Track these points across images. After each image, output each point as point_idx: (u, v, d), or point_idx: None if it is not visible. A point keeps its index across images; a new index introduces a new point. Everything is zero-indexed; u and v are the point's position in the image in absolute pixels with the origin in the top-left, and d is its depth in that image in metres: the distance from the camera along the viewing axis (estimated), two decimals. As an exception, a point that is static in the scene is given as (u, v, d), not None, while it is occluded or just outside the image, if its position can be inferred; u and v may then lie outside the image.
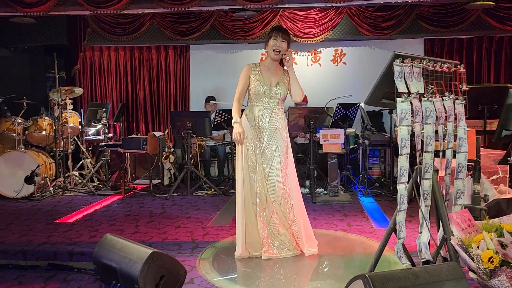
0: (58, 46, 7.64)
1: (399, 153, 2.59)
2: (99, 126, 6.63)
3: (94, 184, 6.41)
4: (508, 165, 3.77)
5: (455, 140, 2.72)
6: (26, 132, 6.01)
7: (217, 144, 6.69)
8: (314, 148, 5.78)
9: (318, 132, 5.49)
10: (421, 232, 2.74)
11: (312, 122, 5.49)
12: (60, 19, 7.46)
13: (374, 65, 6.80)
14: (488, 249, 2.44)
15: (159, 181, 6.37)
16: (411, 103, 2.57)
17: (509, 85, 4.79)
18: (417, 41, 7.33)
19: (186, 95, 7.78)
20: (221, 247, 3.78)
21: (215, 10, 7.11)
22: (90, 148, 7.02)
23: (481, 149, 3.40)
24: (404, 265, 2.80)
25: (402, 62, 2.59)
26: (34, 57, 8.08)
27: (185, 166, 6.01)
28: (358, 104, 6.05)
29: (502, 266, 2.40)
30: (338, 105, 5.94)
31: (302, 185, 5.99)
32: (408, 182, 2.65)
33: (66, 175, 6.18)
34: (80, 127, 6.43)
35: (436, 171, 2.70)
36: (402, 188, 2.62)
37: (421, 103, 2.61)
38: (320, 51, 7.56)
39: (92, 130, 6.64)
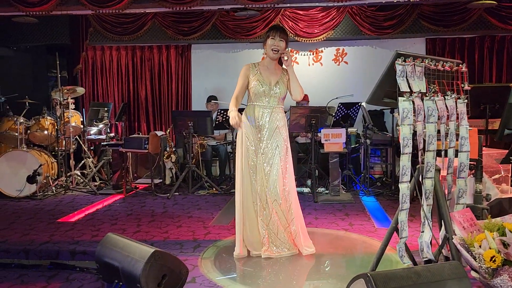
0: (60, 46, 7.64)
1: (401, 152, 2.58)
2: (101, 126, 6.65)
3: (96, 183, 6.42)
4: (510, 164, 3.76)
5: (457, 139, 2.71)
6: (28, 131, 6.02)
7: (218, 143, 6.69)
8: (316, 147, 5.78)
9: (320, 132, 5.49)
10: (423, 231, 2.73)
11: (313, 122, 5.49)
12: (62, 18, 7.47)
13: (375, 65, 6.81)
14: (490, 248, 2.44)
15: (161, 180, 6.38)
16: (413, 102, 2.57)
17: (511, 84, 4.79)
18: (419, 41, 7.32)
19: (188, 94, 7.78)
20: (222, 246, 3.78)
21: (216, 10, 7.11)
22: (92, 148, 7.04)
23: (483, 148, 3.39)
24: (406, 264, 2.80)
25: (404, 61, 2.58)
26: (36, 56, 8.08)
27: (186, 166, 6.01)
28: (359, 104, 6.04)
29: (504, 265, 2.40)
30: (339, 104, 5.94)
31: (303, 184, 6.01)
32: (410, 181, 2.65)
33: (68, 174, 6.19)
34: (82, 126, 6.44)
35: (438, 170, 2.70)
36: (404, 187, 2.62)
37: (423, 102, 2.60)
38: (322, 51, 7.55)
39: (94, 129, 6.66)
